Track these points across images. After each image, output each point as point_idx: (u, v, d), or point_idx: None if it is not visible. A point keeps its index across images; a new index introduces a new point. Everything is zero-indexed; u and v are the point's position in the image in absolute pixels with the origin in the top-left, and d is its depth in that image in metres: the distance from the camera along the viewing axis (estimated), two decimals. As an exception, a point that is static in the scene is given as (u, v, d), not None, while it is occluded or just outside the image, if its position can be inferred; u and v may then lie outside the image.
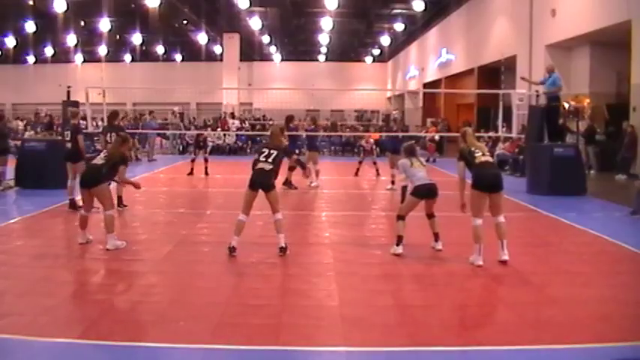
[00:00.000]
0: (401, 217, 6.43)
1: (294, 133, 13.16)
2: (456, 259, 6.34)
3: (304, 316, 4.57)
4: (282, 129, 6.91)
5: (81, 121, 10.75)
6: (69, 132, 9.35)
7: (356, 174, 14.48)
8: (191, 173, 14.24)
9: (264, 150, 6.48)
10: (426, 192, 6.44)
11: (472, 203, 6.13)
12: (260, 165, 6.33)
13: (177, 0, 24.55)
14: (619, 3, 13.51)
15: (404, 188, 6.74)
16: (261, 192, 6.30)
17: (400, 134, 13.17)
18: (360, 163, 14.70)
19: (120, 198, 9.15)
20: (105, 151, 7.11)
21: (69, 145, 9.27)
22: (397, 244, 6.41)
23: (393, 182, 11.62)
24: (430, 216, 6.59)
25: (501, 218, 6.12)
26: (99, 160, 6.86)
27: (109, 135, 9.13)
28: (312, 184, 12.30)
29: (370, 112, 36.83)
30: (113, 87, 30.44)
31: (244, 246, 6.66)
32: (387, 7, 26.97)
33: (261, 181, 6.26)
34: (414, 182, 6.49)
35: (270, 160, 6.34)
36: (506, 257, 6.04)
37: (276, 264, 6.10)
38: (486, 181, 6.06)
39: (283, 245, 6.33)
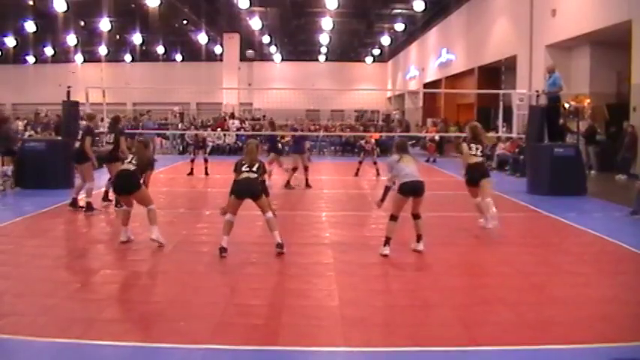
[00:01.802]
0: (394, 218, 6.31)
1: (296, 133, 13.13)
2: (456, 259, 6.34)
3: (304, 316, 4.56)
4: (258, 145, 6.78)
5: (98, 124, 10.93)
6: (81, 132, 9.42)
7: (356, 174, 14.48)
8: (191, 173, 14.25)
9: (244, 162, 6.43)
10: (412, 189, 6.29)
11: (469, 190, 7.76)
12: (244, 174, 6.32)
13: (177, 0, 24.54)
14: (619, 3, 13.51)
15: (387, 188, 6.56)
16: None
17: (402, 134, 13.16)
18: (360, 163, 14.70)
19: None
20: (132, 156, 7.06)
21: (78, 145, 9.32)
22: (384, 245, 6.31)
23: (394, 182, 11.63)
24: (416, 217, 6.44)
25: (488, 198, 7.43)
26: (130, 165, 6.86)
27: (109, 136, 9.64)
28: (296, 185, 12.23)
29: (370, 112, 36.82)
30: (113, 87, 30.43)
31: (244, 246, 6.66)
32: (387, 7, 26.97)
33: (248, 190, 6.28)
34: (401, 179, 6.34)
35: (254, 169, 6.34)
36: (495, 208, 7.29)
37: (276, 264, 6.10)
38: (475, 178, 7.61)
39: (280, 241, 6.33)
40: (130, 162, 6.94)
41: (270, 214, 6.37)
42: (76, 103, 12.21)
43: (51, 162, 11.25)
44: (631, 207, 8.94)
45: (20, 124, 23.36)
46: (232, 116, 26.73)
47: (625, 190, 11.23)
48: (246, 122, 26.07)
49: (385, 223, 7.12)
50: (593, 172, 14.35)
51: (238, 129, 23.45)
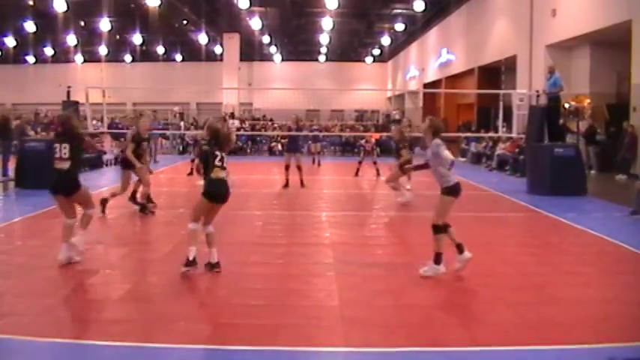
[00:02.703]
0: (442, 229, 5.41)
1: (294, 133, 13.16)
2: (455, 260, 6.32)
3: (304, 316, 4.56)
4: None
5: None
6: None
7: (356, 174, 14.48)
8: (191, 173, 14.24)
9: (216, 154, 5.65)
10: (460, 193, 5.58)
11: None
12: (219, 174, 5.64)
13: (177, 0, 24.54)
14: (619, 3, 13.51)
15: (427, 164, 5.66)
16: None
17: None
18: (360, 163, 14.70)
19: (148, 196, 9.09)
20: (60, 144, 6.15)
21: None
22: (438, 263, 5.49)
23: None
24: (447, 227, 5.64)
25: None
26: (64, 163, 6.07)
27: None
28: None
29: (370, 112, 36.81)
30: (113, 87, 30.42)
31: (244, 246, 6.66)
32: (387, 7, 26.97)
33: (224, 193, 5.72)
34: (453, 178, 5.49)
35: (224, 165, 5.78)
36: None
37: (276, 264, 6.10)
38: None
39: (215, 261, 5.67)
40: (60, 157, 6.05)
41: (211, 227, 5.70)
42: (76, 103, 12.23)
43: (51, 162, 11.23)
44: (631, 207, 8.95)
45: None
46: (232, 116, 26.73)
47: (625, 190, 11.23)
48: (246, 122, 26.07)
49: (385, 223, 7.17)
50: (593, 172, 14.35)
51: (238, 129, 23.45)
